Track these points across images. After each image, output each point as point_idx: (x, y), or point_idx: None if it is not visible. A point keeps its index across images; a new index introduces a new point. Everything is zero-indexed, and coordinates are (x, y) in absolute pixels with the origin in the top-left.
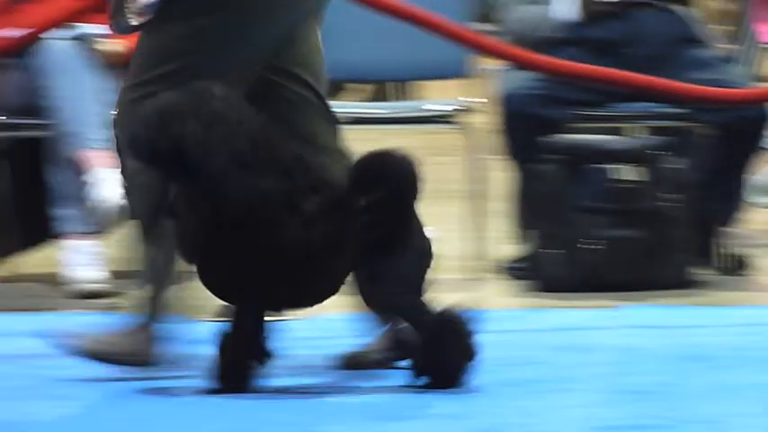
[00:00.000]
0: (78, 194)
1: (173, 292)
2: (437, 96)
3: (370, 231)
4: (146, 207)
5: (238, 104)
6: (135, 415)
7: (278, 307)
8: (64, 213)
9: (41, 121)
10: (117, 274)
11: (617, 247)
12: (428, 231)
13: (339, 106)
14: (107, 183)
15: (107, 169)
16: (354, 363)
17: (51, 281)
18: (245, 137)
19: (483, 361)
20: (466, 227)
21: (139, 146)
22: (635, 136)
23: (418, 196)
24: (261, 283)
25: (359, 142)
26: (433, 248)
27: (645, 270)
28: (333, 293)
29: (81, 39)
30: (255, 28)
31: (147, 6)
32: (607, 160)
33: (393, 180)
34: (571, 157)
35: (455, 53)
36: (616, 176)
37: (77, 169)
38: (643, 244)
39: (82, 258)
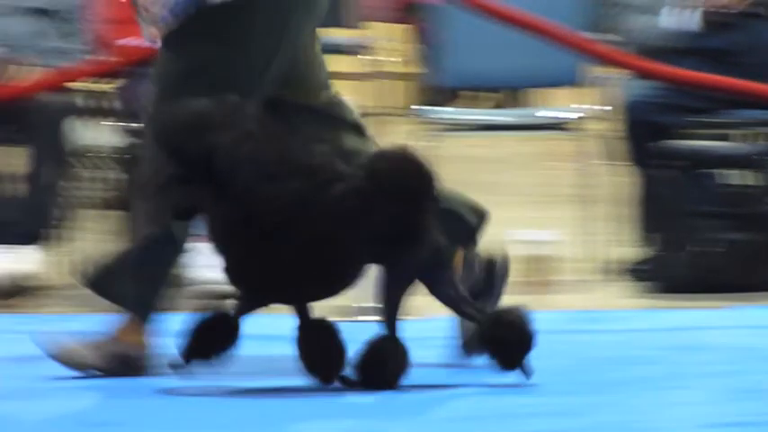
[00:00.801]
0: None
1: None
2: (547, 103)
3: (388, 227)
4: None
5: (267, 122)
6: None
7: (307, 299)
8: None
9: None
10: None
11: (732, 250)
12: (541, 234)
13: (456, 113)
14: None
15: None
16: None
17: (177, 282)
18: (274, 153)
19: (600, 359)
20: (579, 230)
21: (173, 151)
22: (749, 142)
23: (432, 195)
24: (295, 280)
25: (477, 148)
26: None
27: (759, 272)
28: (352, 285)
29: None
30: (276, 42)
31: (162, 17)
32: (722, 166)
33: (410, 179)
34: (689, 162)
35: (568, 62)
36: (730, 182)
37: None
38: (757, 246)
39: (207, 260)
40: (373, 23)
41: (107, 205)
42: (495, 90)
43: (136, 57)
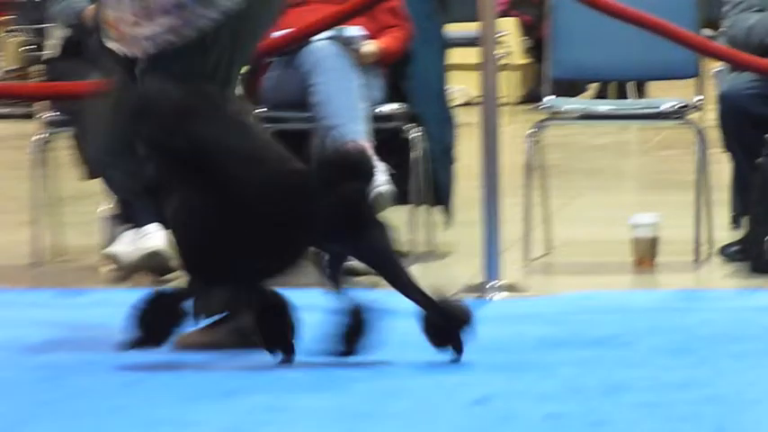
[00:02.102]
0: None
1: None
2: (662, 95)
3: (334, 213)
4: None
5: (242, 109)
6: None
7: (261, 278)
8: None
9: (305, 114)
10: None
11: None
12: (653, 217)
13: (580, 104)
14: None
15: None
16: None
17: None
18: (248, 144)
19: (709, 336)
20: (692, 214)
21: (155, 140)
22: None
23: (370, 185)
24: (255, 260)
25: (601, 136)
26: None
27: None
28: (300, 266)
29: (342, 40)
30: (247, 39)
31: (137, 40)
32: None
33: (351, 171)
34: None
35: (686, 56)
36: None
37: None
38: None
39: None
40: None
41: None
42: (608, 82)
43: (269, 48)
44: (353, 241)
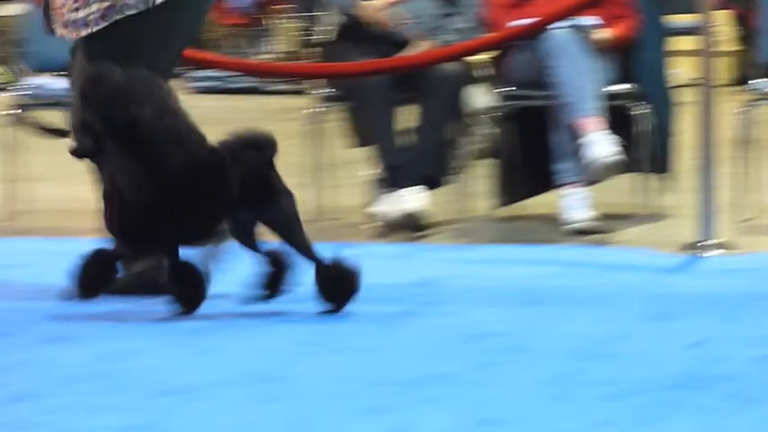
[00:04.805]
0: (575, 152)
1: None
2: None
3: (242, 187)
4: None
5: (175, 96)
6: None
7: (182, 244)
8: (563, 167)
9: (546, 93)
10: (605, 216)
11: None
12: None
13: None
14: (599, 143)
15: (599, 132)
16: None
17: (551, 220)
18: (181, 125)
19: None
20: None
21: (97, 116)
22: None
23: (273, 161)
24: (179, 229)
25: None
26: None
27: None
28: (218, 235)
29: (578, 28)
30: (182, 28)
31: (76, 23)
32: None
33: (256, 149)
34: None
35: None
36: None
37: (574, 132)
38: None
39: (576, 203)
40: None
41: (484, 155)
42: None
43: (515, 34)
44: (258, 207)
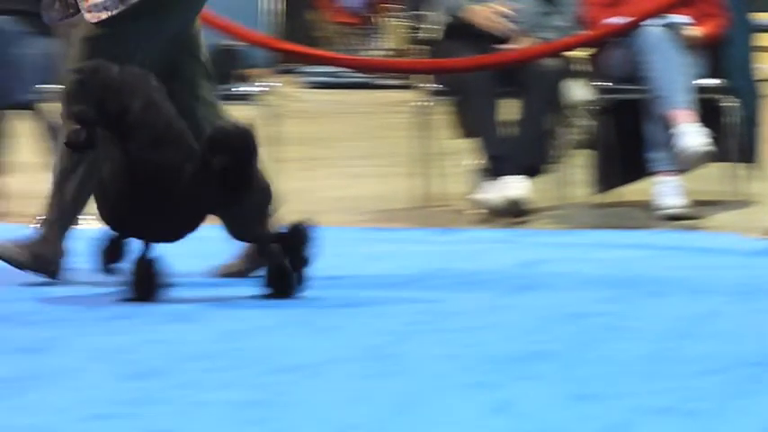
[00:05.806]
0: (667, 142)
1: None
2: None
3: (222, 184)
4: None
5: (164, 92)
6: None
7: (159, 239)
8: (656, 156)
9: (640, 87)
10: (696, 203)
11: None
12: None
13: None
14: (691, 134)
15: (690, 124)
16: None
17: (645, 207)
18: (165, 120)
19: None
20: None
21: (90, 109)
22: None
23: (255, 157)
24: (157, 222)
25: None
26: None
27: None
28: (195, 231)
29: (670, 25)
30: (172, 25)
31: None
32: None
33: (234, 146)
34: None
35: None
36: None
37: (667, 123)
38: None
39: (669, 190)
40: None
41: (582, 145)
42: None
43: (611, 32)
44: (232, 204)
